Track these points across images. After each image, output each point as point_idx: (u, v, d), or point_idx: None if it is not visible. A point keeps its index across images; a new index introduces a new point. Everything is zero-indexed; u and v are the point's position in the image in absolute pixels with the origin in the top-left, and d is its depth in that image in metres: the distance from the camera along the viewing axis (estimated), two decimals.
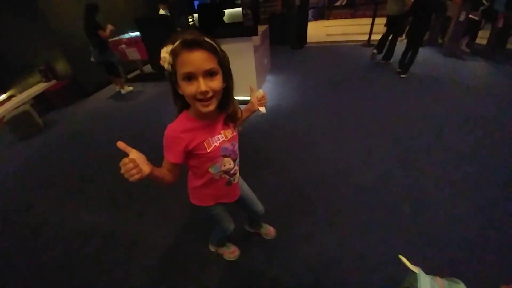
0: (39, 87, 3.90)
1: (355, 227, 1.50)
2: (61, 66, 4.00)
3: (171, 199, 1.84)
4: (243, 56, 2.64)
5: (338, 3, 8.03)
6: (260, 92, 1.02)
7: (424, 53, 4.27)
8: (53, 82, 4.05)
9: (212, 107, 0.70)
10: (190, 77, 0.64)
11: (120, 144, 0.62)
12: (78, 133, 3.12)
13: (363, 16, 7.74)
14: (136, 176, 0.61)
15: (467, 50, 4.35)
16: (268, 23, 3.59)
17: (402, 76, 3.53)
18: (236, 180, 0.97)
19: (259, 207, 1.22)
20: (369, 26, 5.11)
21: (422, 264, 0.67)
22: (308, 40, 6.01)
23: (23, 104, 3.53)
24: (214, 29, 2.71)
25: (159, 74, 4.45)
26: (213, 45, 0.64)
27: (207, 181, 0.89)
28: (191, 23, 3.67)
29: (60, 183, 2.24)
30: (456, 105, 2.68)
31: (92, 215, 1.83)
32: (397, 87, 3.25)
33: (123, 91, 4.08)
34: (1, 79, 4.01)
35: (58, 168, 2.45)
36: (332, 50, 5.17)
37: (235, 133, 0.88)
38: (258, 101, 1.02)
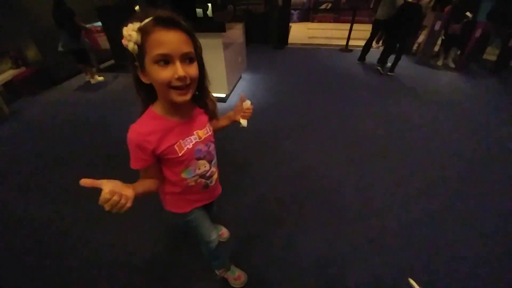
0: (8, 74, 3.69)
1: (302, 226, 1.56)
2: (31, 53, 3.81)
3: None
4: (212, 52, 2.63)
5: (323, 7, 8.17)
6: (248, 103, 0.91)
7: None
8: (23, 69, 3.84)
9: (188, 96, 0.61)
10: (166, 60, 0.55)
11: (85, 182, 0.48)
12: (42, 123, 2.99)
13: (347, 21, 7.89)
14: (128, 204, 0.53)
15: (452, 65, 4.34)
16: (244, 21, 3.57)
17: (390, 74, 3.90)
18: (213, 182, 0.88)
19: (214, 207, 1.15)
20: (347, 32, 5.25)
21: None
22: (290, 41, 6.09)
23: None
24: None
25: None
26: (190, 27, 0.57)
27: (181, 186, 0.79)
28: None
29: (11, 175, 2.14)
30: (417, 113, 2.83)
31: (44, 210, 1.77)
32: (366, 92, 3.37)
33: (93, 81, 3.95)
34: None
35: (12, 160, 2.34)
36: (311, 53, 5.26)
37: (210, 133, 0.80)
38: (243, 112, 0.92)
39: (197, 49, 0.61)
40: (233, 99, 3.22)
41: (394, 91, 3.40)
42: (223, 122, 0.95)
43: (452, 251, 1.38)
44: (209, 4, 3.29)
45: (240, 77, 3.82)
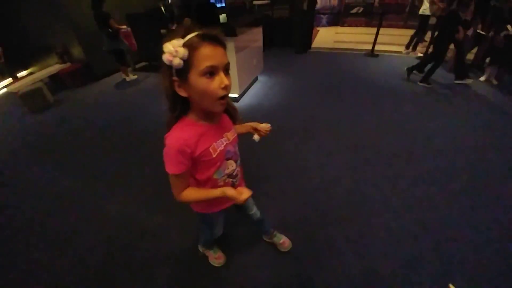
0: (54, 68, 4.35)
1: (286, 222, 1.65)
2: (76, 51, 4.42)
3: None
4: None
5: (354, 11, 7.98)
6: (268, 125, 1.01)
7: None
8: (68, 64, 4.48)
9: (226, 104, 0.69)
10: (213, 72, 0.61)
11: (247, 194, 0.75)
12: (82, 111, 3.49)
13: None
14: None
15: (494, 82, 3.65)
16: (262, 25, 3.72)
17: (426, 85, 3.58)
18: (238, 181, 0.94)
19: (254, 211, 1.19)
20: (381, 36, 5.06)
21: None
22: (315, 45, 6.09)
23: (38, 81, 3.97)
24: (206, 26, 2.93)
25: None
26: (224, 41, 0.64)
27: (212, 186, 0.84)
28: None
29: (52, 154, 2.55)
30: (433, 125, 2.70)
31: (71, 181, 2.12)
32: (383, 99, 3.29)
33: (127, 79, 4.43)
34: (24, 58, 4.52)
35: (55, 141, 2.79)
36: (334, 57, 5.21)
37: (235, 135, 0.87)
38: (260, 129, 1.00)
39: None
40: (246, 100, 3.38)
41: (420, 101, 3.25)
42: (241, 129, 1.01)
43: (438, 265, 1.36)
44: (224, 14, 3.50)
45: (256, 79, 3.97)
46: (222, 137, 0.79)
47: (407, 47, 5.24)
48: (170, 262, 1.43)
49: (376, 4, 7.65)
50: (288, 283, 1.30)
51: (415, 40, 5.10)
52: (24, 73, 4.48)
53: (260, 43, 3.76)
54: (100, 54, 4.25)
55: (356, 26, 8.16)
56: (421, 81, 3.63)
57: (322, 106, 3.15)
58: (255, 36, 3.48)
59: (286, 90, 3.65)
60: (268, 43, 5.50)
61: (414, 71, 3.81)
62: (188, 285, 1.32)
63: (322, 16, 8.27)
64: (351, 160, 2.13)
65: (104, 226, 1.68)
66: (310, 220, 1.63)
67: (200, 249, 1.41)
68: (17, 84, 3.86)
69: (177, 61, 0.58)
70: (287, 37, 5.73)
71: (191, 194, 0.78)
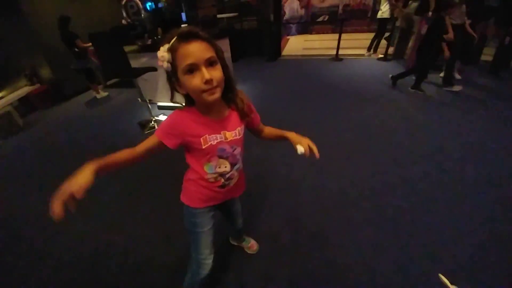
0: (23, 91, 4.26)
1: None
2: (44, 71, 4.38)
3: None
4: None
5: (320, 19, 8.44)
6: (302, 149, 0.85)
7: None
8: (37, 85, 4.41)
9: (217, 95, 0.69)
10: (192, 69, 0.64)
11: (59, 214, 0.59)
12: (51, 133, 3.46)
13: (344, 31, 8.09)
14: (77, 196, 0.60)
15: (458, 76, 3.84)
16: (229, 36, 3.90)
17: (419, 91, 3.51)
18: (231, 185, 0.93)
19: (239, 221, 1.25)
20: (346, 41, 5.39)
21: None
22: (285, 53, 6.37)
23: (7, 105, 3.87)
24: None
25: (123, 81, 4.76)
26: (207, 35, 0.66)
27: (202, 177, 0.86)
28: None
29: (22, 180, 2.50)
30: (383, 117, 2.93)
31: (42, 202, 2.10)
32: (341, 100, 3.51)
33: (98, 96, 4.43)
34: None
35: (25, 166, 2.74)
36: (302, 63, 5.48)
37: (238, 137, 0.84)
38: (307, 146, 0.86)
39: (218, 52, 0.70)
40: None
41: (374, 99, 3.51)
42: (275, 131, 1.00)
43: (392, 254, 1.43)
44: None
45: None
46: (219, 133, 0.79)
47: (369, 49, 5.63)
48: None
49: (340, 11, 8.16)
50: (253, 282, 1.35)
51: (375, 42, 5.49)
52: None
53: (228, 54, 3.92)
54: (69, 73, 4.24)
55: (323, 33, 8.63)
56: (412, 87, 3.59)
57: (290, 109, 3.33)
58: (222, 47, 3.62)
59: (257, 97, 3.81)
60: (239, 53, 5.72)
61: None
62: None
63: (291, 25, 8.69)
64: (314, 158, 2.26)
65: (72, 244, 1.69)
66: (276, 220, 1.71)
67: None
68: None
69: (165, 65, 0.66)
70: (257, 47, 5.98)
71: (123, 151, 0.74)
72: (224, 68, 0.71)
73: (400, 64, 4.81)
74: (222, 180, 0.88)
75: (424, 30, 4.00)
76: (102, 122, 3.55)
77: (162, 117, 3.35)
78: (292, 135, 0.91)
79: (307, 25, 8.78)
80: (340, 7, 8.15)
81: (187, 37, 0.63)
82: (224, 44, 3.77)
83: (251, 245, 1.48)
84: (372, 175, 2.02)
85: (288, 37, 8.59)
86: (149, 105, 3.22)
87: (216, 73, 0.67)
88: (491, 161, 2.08)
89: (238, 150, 0.87)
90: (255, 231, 1.61)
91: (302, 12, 8.49)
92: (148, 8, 5.45)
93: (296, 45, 7.46)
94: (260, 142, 2.34)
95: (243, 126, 0.88)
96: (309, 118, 3.04)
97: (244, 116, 0.85)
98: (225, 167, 0.86)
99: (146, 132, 3.08)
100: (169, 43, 0.64)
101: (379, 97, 3.49)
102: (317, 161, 0.99)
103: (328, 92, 3.79)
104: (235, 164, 0.89)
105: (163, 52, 0.64)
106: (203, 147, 0.77)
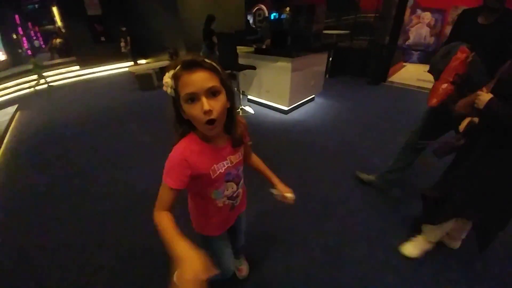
0: (164, 63, 5.88)
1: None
2: (181, 52, 5.89)
3: None
4: (282, 71, 3.32)
5: None
6: (292, 197, 0.94)
7: None
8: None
9: (217, 129, 0.69)
10: (193, 98, 0.63)
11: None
12: None
13: None
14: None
15: None
16: (328, 52, 4.07)
17: None
18: (238, 202, 0.93)
19: (241, 237, 1.20)
20: None
21: None
22: (394, 79, 5.89)
23: (151, 69, 5.46)
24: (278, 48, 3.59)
25: None
26: (213, 64, 0.64)
27: (211, 207, 0.84)
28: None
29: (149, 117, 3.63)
30: None
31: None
32: None
33: None
34: (145, 51, 6.67)
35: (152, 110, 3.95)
36: (408, 94, 4.91)
37: (241, 158, 0.86)
38: (282, 195, 0.94)
39: (225, 80, 0.68)
40: (294, 114, 3.72)
41: None
42: (263, 166, 0.99)
43: None
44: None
45: (313, 99, 4.27)
46: (225, 160, 0.79)
47: None
48: None
49: None
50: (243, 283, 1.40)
51: None
52: (143, 61, 6.45)
53: (322, 67, 4.08)
54: None
55: None
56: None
57: (356, 135, 3.11)
58: (318, 60, 3.83)
59: (335, 115, 3.73)
60: (339, 70, 5.74)
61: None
62: None
63: (413, 52, 7.82)
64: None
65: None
66: (264, 225, 1.81)
67: None
68: (136, 67, 5.55)
69: (169, 90, 0.65)
70: (361, 67, 5.81)
71: (162, 221, 0.67)
72: (229, 96, 0.70)
73: None
74: (231, 202, 0.89)
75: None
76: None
77: (248, 108, 3.90)
78: (279, 183, 0.96)
79: (432, 55, 7.68)
80: None
81: (190, 66, 0.62)
82: (321, 58, 3.94)
83: (241, 269, 1.38)
84: None
85: (405, 63, 7.78)
86: (241, 96, 3.90)
87: (216, 104, 0.65)
88: None
89: (241, 169, 0.88)
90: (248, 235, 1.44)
91: (431, 40, 7.49)
92: (272, 17, 6.25)
93: (412, 73, 6.71)
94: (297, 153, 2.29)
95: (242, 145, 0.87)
96: (364, 147, 2.77)
97: (236, 144, 0.81)
98: (232, 188, 0.86)
99: None
100: (174, 69, 0.63)
101: None
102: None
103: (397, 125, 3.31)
104: (239, 182, 0.89)
105: (167, 78, 0.64)
106: (213, 177, 0.76)
